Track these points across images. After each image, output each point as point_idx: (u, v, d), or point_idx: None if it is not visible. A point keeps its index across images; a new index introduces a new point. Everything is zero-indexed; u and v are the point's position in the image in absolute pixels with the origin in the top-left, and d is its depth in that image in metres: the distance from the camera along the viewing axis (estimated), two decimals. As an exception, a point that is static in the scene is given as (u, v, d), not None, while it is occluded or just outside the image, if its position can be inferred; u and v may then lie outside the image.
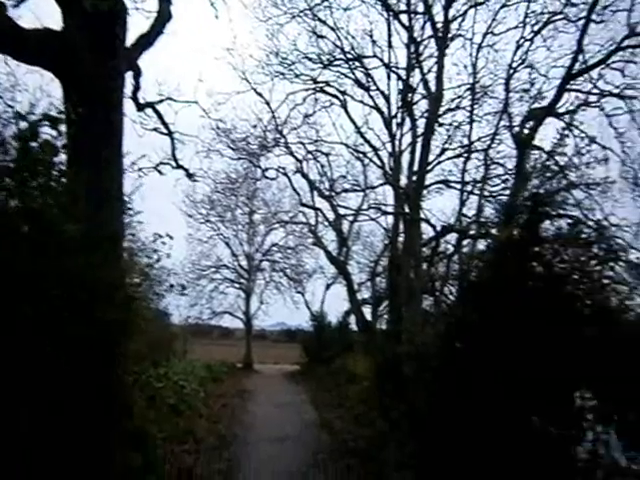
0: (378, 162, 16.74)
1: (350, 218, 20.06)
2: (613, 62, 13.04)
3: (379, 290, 20.14)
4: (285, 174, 18.79)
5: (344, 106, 16.64)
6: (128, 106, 9.69)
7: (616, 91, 13.37)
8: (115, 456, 5.43)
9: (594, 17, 12.24)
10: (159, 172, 13.33)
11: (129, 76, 9.41)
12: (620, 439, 5.19)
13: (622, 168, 13.50)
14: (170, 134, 12.71)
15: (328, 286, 28.75)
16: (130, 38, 7.88)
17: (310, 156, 18.38)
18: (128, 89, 9.61)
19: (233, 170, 19.38)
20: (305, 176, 18.43)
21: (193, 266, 30.39)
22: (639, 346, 5.21)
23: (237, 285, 32.32)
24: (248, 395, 16.64)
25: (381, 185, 18.03)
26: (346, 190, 18.77)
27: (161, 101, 12.21)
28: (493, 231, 9.05)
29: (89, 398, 4.76)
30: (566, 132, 11.39)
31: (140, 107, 11.11)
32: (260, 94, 16.58)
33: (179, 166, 13.77)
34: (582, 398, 5.66)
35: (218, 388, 16.56)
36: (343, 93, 16.57)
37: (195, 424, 9.95)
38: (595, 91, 13.60)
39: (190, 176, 14.54)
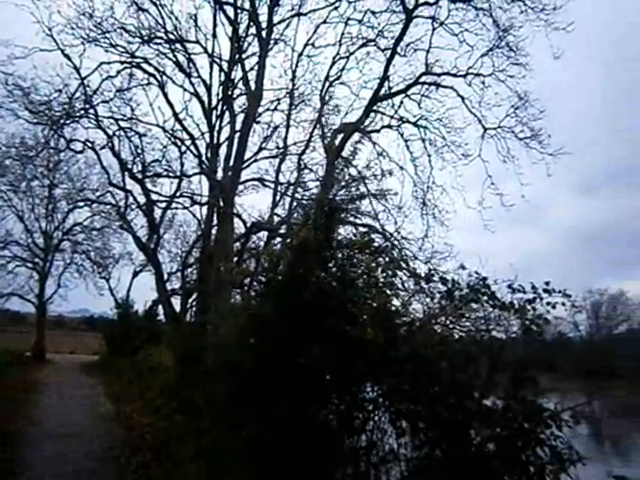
0: (195, 151, 16.37)
1: (163, 205, 19.26)
2: (412, 94, 14.86)
3: (190, 281, 19.93)
4: (93, 149, 17.06)
5: (162, 87, 15.91)
6: None
7: (413, 120, 15.29)
8: None
9: (399, 50, 13.78)
10: None
11: None
12: (394, 427, 5.94)
13: (414, 188, 15.55)
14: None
15: (136, 273, 27.68)
16: None
17: (122, 133, 17.15)
18: None
19: (32, 136, 17.21)
20: (116, 154, 17.05)
21: (-26, 240, 26.65)
22: (412, 344, 5.83)
23: (30, 265, 29.38)
24: (36, 388, 15.38)
25: (196, 174, 17.64)
26: (159, 175, 17.80)
27: None
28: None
29: None
30: (359, 145, 12.72)
31: None
32: (68, 57, 14.88)
33: (-46, 118, 12.00)
34: (364, 391, 6.42)
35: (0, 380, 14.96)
36: (162, 74, 15.88)
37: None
38: (396, 116, 15.30)
39: (-31, 133, 12.70)
